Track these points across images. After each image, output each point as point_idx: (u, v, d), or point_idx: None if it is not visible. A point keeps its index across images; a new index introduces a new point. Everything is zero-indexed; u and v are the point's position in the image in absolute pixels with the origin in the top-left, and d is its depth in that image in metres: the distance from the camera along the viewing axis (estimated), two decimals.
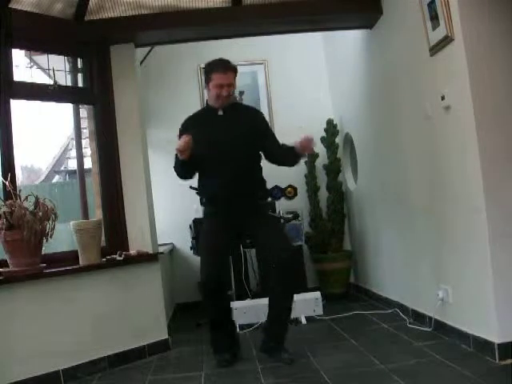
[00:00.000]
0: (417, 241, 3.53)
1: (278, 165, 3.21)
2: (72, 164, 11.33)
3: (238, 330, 3.52)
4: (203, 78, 5.28)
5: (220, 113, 3.10)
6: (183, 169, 3.03)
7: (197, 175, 3.16)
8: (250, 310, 3.89)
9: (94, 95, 3.63)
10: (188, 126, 3.10)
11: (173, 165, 3.07)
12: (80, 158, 4.77)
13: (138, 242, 3.54)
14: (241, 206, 3.05)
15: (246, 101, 5.25)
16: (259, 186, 3.18)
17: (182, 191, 4.17)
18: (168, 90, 5.23)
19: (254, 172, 3.13)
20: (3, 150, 3.13)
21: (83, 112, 4.47)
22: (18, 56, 3.71)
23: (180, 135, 3.01)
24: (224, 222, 3.05)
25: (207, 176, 3.11)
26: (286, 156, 3.11)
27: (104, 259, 3.35)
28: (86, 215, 3.98)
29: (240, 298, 4.20)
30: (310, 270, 4.93)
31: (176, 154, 2.94)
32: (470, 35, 2.63)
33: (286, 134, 5.13)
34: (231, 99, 3.12)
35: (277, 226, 3.16)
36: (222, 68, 3.02)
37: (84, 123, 4.81)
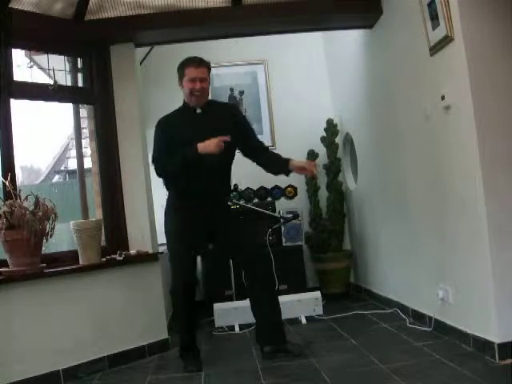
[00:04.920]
0: (417, 240, 3.53)
1: (256, 163, 3.21)
2: (72, 164, 11.30)
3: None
4: None
5: (198, 111, 3.07)
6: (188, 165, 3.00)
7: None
8: (249, 310, 3.88)
9: (94, 95, 3.63)
10: (165, 126, 3.09)
11: (173, 163, 3.01)
12: (80, 157, 4.77)
13: (137, 242, 3.54)
14: (211, 206, 3.03)
15: (246, 101, 5.27)
16: (229, 185, 3.21)
17: None
18: (168, 90, 5.18)
19: (227, 171, 3.13)
20: (3, 150, 3.13)
21: (83, 112, 4.47)
22: (18, 56, 3.71)
23: (157, 135, 3.07)
24: (193, 221, 3.01)
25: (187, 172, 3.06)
26: (269, 160, 3.16)
27: (104, 259, 3.35)
28: (86, 215, 3.98)
29: (240, 297, 4.19)
30: (310, 269, 4.93)
31: (186, 154, 2.92)
32: (470, 35, 2.63)
33: (286, 132, 5.22)
34: (206, 96, 3.07)
35: (242, 228, 3.22)
36: (193, 62, 3.00)
37: (84, 123, 4.81)
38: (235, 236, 3.12)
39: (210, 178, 3.00)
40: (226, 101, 5.22)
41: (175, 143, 2.99)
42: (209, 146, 2.89)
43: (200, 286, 4.70)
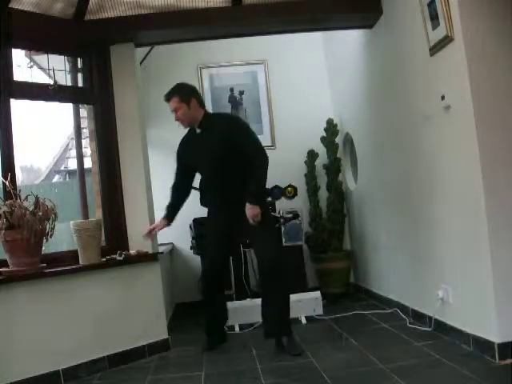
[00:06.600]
0: (417, 240, 3.53)
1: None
2: (72, 164, 11.32)
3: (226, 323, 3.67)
4: (203, 78, 5.37)
5: (198, 131, 3.29)
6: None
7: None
8: (249, 310, 3.89)
9: (94, 95, 3.63)
10: (180, 149, 3.42)
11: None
12: (80, 157, 4.76)
13: (138, 242, 3.54)
14: (231, 213, 3.24)
15: (246, 101, 5.28)
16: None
17: None
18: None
19: (239, 179, 3.18)
20: (3, 150, 3.13)
21: (83, 112, 4.47)
22: (18, 56, 3.71)
23: (177, 156, 3.43)
24: (220, 225, 3.33)
25: (203, 186, 3.42)
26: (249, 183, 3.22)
27: (104, 259, 3.35)
28: (86, 215, 3.98)
29: (240, 297, 4.19)
30: (310, 269, 4.93)
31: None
32: (470, 35, 2.63)
33: (286, 132, 5.22)
34: (189, 119, 3.24)
35: (265, 233, 3.22)
36: (164, 98, 3.29)
37: (84, 123, 4.80)
38: (251, 238, 3.40)
39: (218, 192, 3.31)
40: (227, 101, 5.24)
41: (186, 163, 3.38)
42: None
43: (199, 284, 4.70)
